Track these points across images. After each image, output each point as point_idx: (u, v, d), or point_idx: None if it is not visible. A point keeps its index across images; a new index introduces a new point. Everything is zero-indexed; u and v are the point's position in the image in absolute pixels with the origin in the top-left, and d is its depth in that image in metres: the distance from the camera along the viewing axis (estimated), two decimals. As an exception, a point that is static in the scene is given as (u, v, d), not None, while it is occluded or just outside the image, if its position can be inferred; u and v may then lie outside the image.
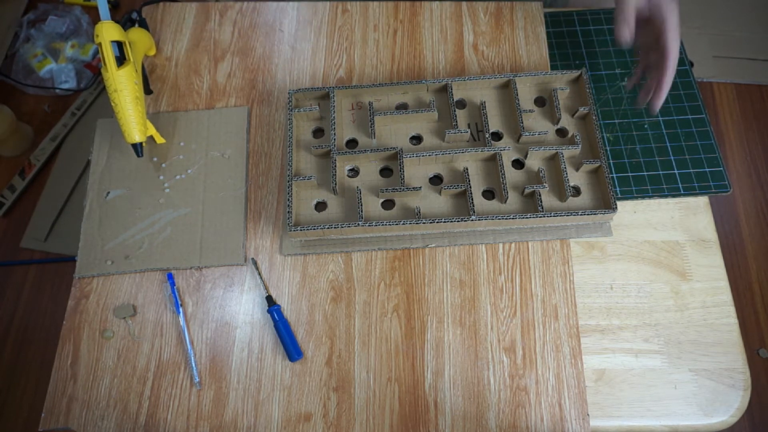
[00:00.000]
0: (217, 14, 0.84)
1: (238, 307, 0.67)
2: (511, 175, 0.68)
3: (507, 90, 0.73)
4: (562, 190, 0.67)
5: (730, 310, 0.66)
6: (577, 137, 0.69)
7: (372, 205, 0.67)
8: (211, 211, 0.71)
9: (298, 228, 0.64)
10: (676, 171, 0.72)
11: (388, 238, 0.68)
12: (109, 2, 1.67)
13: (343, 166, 0.70)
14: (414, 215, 0.66)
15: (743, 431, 1.27)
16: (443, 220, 0.64)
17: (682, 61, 0.79)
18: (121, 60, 0.66)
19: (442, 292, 0.66)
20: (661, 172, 0.72)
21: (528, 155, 0.69)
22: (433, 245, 0.68)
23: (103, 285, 0.68)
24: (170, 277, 0.67)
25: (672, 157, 0.73)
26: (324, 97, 0.73)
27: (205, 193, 0.72)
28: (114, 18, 0.67)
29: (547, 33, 0.81)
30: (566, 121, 0.71)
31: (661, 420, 0.62)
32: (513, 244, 0.68)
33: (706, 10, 1.67)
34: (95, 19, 1.70)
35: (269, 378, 0.63)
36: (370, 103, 0.71)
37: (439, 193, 0.68)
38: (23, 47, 1.63)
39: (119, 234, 0.70)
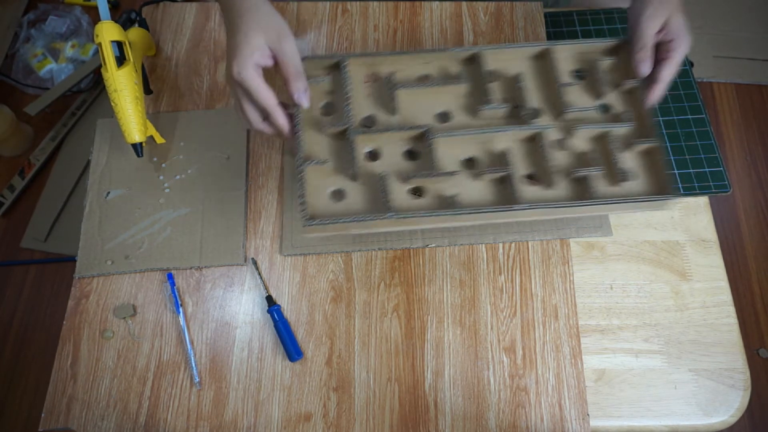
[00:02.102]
0: (217, 14, 0.84)
1: (238, 307, 0.67)
2: (554, 156, 0.60)
3: (543, 61, 0.65)
4: (612, 173, 0.59)
5: (730, 310, 0.66)
6: (627, 114, 0.61)
7: (398, 193, 0.58)
8: (211, 211, 0.71)
9: (315, 222, 0.55)
10: (676, 171, 0.72)
11: (388, 237, 0.68)
12: (109, 2, 1.67)
13: (361, 148, 0.60)
14: (449, 204, 0.57)
15: (743, 431, 1.27)
16: (486, 210, 0.55)
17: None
18: (121, 60, 0.66)
19: (442, 292, 0.66)
20: None
21: (571, 134, 0.61)
22: (433, 245, 0.68)
23: (103, 285, 0.68)
24: (170, 277, 0.67)
25: (672, 157, 0.73)
26: (335, 67, 0.63)
27: (205, 193, 0.72)
28: (114, 18, 0.67)
29: (547, 33, 0.81)
30: (610, 96, 0.63)
31: (661, 420, 0.62)
32: (513, 244, 0.68)
33: (706, 10, 1.67)
34: (95, 19, 1.70)
35: (269, 378, 0.63)
36: (390, 75, 0.61)
37: (475, 178, 0.59)
38: (23, 47, 1.63)
39: (119, 234, 0.70)
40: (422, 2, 0.83)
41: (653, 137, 0.59)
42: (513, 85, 0.63)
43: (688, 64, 0.79)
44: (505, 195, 0.58)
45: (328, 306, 0.66)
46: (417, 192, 0.59)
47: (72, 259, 0.69)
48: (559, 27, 0.82)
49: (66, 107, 1.54)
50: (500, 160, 0.60)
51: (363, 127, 0.60)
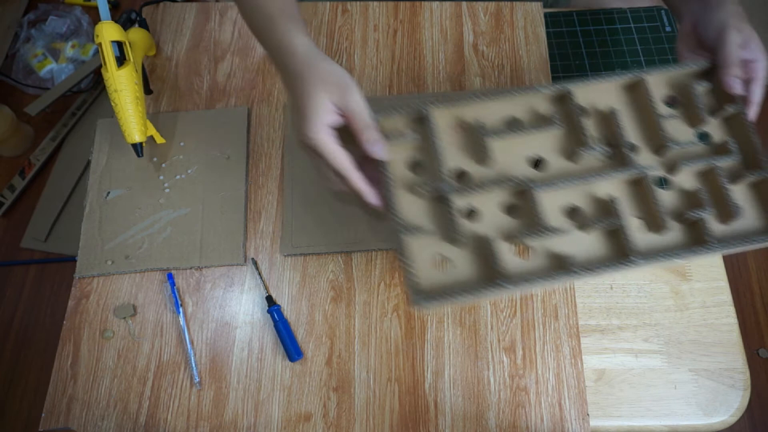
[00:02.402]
0: (217, 14, 0.84)
1: (238, 307, 0.67)
2: (660, 198, 0.55)
3: (634, 92, 0.60)
4: (722, 210, 0.55)
5: (730, 310, 0.66)
6: (731, 144, 0.56)
7: (505, 254, 0.53)
8: (211, 211, 0.71)
9: (429, 302, 0.49)
10: None
11: (388, 239, 0.68)
12: (109, 2, 1.67)
13: (458, 207, 0.55)
14: (559, 262, 0.53)
15: (743, 431, 1.27)
16: (603, 267, 0.51)
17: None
18: (121, 60, 0.66)
19: (442, 292, 0.66)
20: None
21: (675, 170, 0.56)
22: None
23: (103, 285, 0.68)
24: (170, 277, 0.67)
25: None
26: (418, 120, 0.57)
27: (205, 193, 0.72)
28: (114, 18, 0.67)
29: (547, 33, 0.81)
30: (710, 125, 0.58)
31: (661, 420, 0.62)
32: (513, 244, 0.68)
33: (706, 10, 1.67)
34: (95, 19, 1.70)
35: (269, 378, 0.63)
36: (478, 123, 0.56)
37: (583, 229, 0.54)
38: (23, 47, 1.63)
39: (119, 234, 0.70)
40: (422, 2, 0.83)
41: (764, 168, 0.55)
42: (607, 121, 0.58)
43: (688, 64, 0.79)
44: (617, 245, 0.54)
45: (328, 306, 0.66)
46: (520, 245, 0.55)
47: (72, 259, 0.69)
48: (559, 27, 0.82)
49: (66, 107, 1.54)
50: (605, 207, 0.55)
51: (457, 184, 0.55)
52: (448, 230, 0.53)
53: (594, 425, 0.62)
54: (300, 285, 0.67)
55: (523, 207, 0.55)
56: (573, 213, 0.55)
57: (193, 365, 0.64)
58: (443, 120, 0.57)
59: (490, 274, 0.52)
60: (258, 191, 0.72)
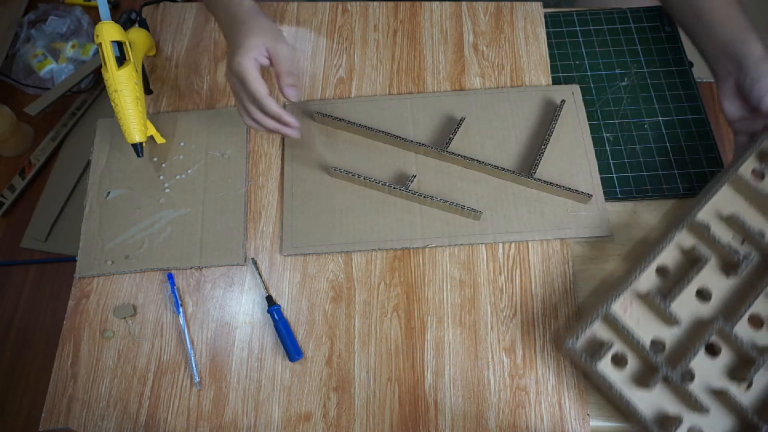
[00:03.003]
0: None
1: (238, 307, 0.67)
2: None
3: (739, 186, 0.63)
4: None
5: (730, 310, 0.66)
6: None
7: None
8: (211, 211, 0.71)
9: None
10: (676, 171, 0.72)
11: (387, 239, 0.68)
12: (109, 2, 1.67)
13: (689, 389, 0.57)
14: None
15: None
16: None
17: (682, 61, 0.79)
18: (121, 60, 0.66)
19: (442, 292, 0.66)
20: (661, 172, 0.72)
21: None
22: (433, 245, 0.68)
23: (103, 285, 0.68)
24: (170, 277, 0.67)
25: (672, 157, 0.73)
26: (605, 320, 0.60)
27: (205, 194, 0.72)
28: (114, 18, 0.67)
29: (547, 33, 0.81)
30: None
31: (661, 420, 0.62)
32: (513, 244, 0.68)
33: (706, 10, 1.66)
34: (96, 19, 1.70)
35: (269, 378, 0.63)
36: (653, 296, 0.59)
37: None
38: (23, 47, 1.62)
39: (119, 234, 0.70)
40: (422, 2, 0.83)
41: None
42: (731, 222, 0.63)
43: (687, 65, 0.79)
44: None
45: (328, 306, 0.66)
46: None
47: (72, 259, 0.69)
48: (559, 27, 0.82)
49: (66, 107, 1.54)
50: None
51: (672, 369, 0.57)
52: (693, 403, 0.55)
53: (594, 425, 0.62)
54: (300, 285, 0.67)
55: (724, 345, 0.58)
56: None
57: (193, 365, 0.64)
58: (617, 309, 0.60)
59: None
60: (258, 191, 0.72)
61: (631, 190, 0.71)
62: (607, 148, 0.74)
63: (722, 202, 0.63)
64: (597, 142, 0.74)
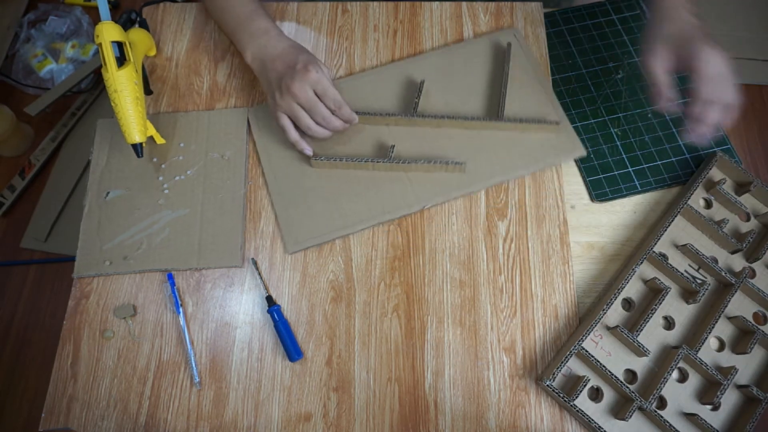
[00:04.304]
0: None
1: (238, 307, 0.67)
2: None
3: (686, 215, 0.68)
4: None
5: (730, 310, 0.66)
6: None
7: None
8: (210, 212, 0.71)
9: None
10: (688, 156, 0.73)
11: (385, 211, 0.69)
12: (109, 2, 1.67)
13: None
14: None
15: (743, 431, 1.26)
16: None
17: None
18: (121, 60, 0.66)
19: (442, 292, 0.66)
20: (674, 159, 0.73)
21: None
22: (430, 205, 0.69)
23: (103, 285, 0.68)
24: (170, 277, 0.67)
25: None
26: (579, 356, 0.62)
27: (204, 195, 0.72)
28: (114, 18, 0.67)
29: (547, 33, 0.81)
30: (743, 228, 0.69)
31: (661, 420, 0.62)
32: (513, 244, 0.68)
33: (706, 11, 1.66)
34: (96, 19, 1.70)
35: (269, 378, 0.63)
36: (622, 330, 0.61)
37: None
38: (23, 47, 1.63)
39: (118, 234, 0.70)
40: (422, 2, 0.83)
41: None
42: (685, 251, 0.67)
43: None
44: None
45: (328, 306, 0.66)
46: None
47: (72, 259, 0.69)
48: (559, 27, 0.82)
49: (66, 107, 1.54)
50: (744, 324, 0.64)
51: (644, 399, 0.59)
52: (668, 429, 0.58)
53: (594, 425, 0.62)
54: (300, 285, 0.67)
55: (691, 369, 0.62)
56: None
57: (193, 365, 0.64)
58: (589, 344, 0.63)
59: None
60: (258, 191, 0.72)
61: (650, 182, 0.72)
62: (618, 143, 0.73)
63: (676, 232, 0.68)
64: (606, 138, 0.74)
